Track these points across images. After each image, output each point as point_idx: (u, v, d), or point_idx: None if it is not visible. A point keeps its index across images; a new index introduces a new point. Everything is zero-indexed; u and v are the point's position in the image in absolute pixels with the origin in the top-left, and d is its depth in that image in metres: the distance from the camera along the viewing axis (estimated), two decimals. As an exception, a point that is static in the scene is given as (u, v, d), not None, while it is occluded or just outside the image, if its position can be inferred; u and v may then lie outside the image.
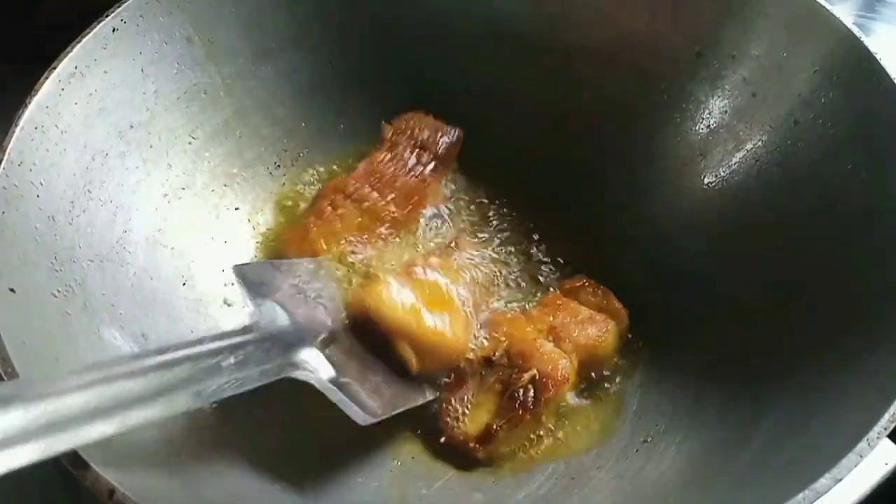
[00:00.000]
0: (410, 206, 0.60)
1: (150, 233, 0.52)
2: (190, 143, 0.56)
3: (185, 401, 0.36)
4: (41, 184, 0.44)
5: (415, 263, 0.55)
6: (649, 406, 0.53)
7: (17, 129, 0.43)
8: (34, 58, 0.47)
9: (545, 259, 0.61)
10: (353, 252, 0.58)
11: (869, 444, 0.35)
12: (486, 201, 0.64)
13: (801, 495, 0.34)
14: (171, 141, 0.55)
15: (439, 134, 0.63)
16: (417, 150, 0.62)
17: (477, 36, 0.64)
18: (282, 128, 0.62)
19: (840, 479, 0.34)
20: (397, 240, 0.60)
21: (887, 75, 0.47)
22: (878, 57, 0.47)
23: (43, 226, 0.44)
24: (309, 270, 0.54)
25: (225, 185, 0.59)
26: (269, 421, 0.49)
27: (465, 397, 0.51)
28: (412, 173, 0.61)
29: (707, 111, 0.58)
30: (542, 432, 0.52)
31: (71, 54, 0.47)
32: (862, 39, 0.48)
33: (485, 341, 0.53)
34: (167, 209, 0.54)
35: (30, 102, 0.44)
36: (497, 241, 0.62)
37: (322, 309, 0.51)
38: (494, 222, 0.63)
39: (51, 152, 0.45)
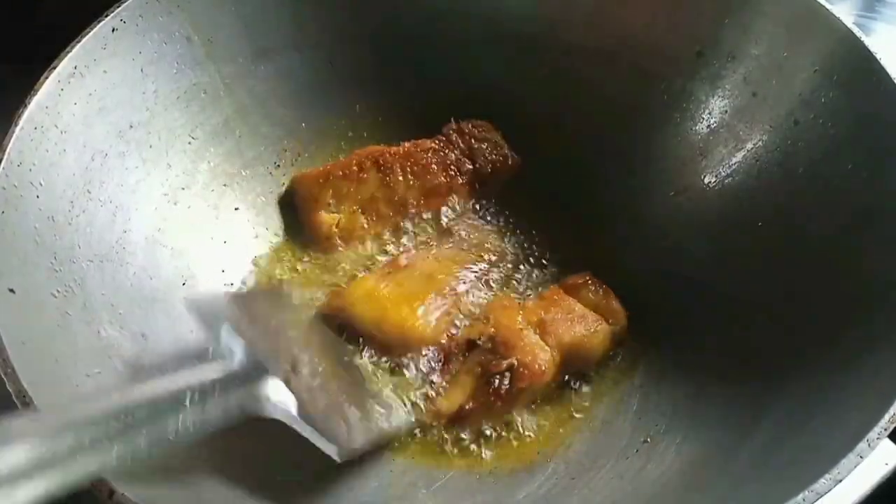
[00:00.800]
0: (424, 204, 0.61)
1: (150, 233, 0.52)
2: (190, 143, 0.56)
3: (144, 450, 0.34)
4: (41, 184, 0.44)
5: (407, 251, 0.57)
6: (649, 406, 0.53)
7: (17, 129, 0.43)
8: (34, 58, 0.47)
9: (544, 259, 0.61)
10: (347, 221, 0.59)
11: (869, 445, 0.35)
12: (485, 201, 0.64)
13: (801, 496, 0.34)
14: (171, 141, 0.55)
15: (494, 153, 0.63)
16: (464, 157, 0.62)
17: (477, 36, 0.64)
18: (282, 127, 0.62)
19: (840, 480, 0.34)
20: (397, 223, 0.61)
21: (887, 75, 0.47)
22: (878, 57, 0.48)
23: (42, 226, 0.44)
24: (267, 300, 0.53)
25: (225, 185, 0.59)
26: (269, 422, 0.49)
27: (446, 377, 0.52)
28: (446, 175, 0.61)
29: (707, 111, 0.58)
30: (543, 429, 0.52)
31: (71, 54, 0.47)
32: (862, 39, 0.48)
33: (482, 324, 0.53)
34: (167, 209, 0.54)
35: (30, 102, 0.44)
36: (496, 240, 0.62)
37: (282, 337, 0.49)
38: (494, 222, 0.63)
39: (50, 152, 0.45)
